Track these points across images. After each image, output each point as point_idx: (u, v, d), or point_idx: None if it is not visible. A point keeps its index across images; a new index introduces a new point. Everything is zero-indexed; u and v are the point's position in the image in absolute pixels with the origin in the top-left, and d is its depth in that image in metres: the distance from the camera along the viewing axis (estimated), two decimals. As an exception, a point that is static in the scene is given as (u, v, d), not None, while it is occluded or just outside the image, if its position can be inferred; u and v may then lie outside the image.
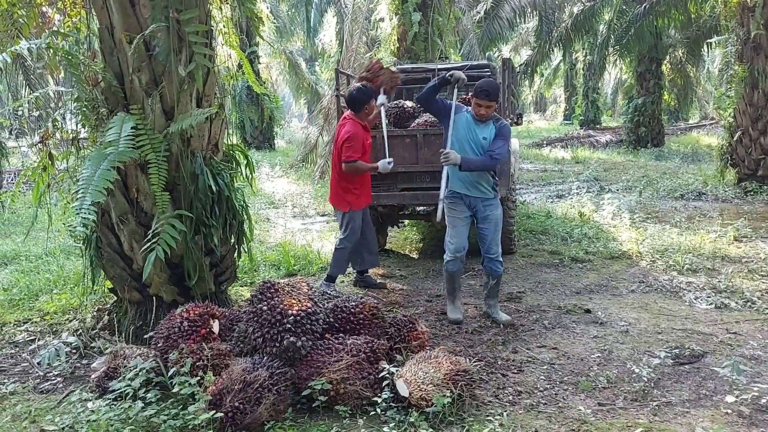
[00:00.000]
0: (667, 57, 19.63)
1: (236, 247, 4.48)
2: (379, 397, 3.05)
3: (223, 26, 4.61)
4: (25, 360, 3.99)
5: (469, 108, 4.43)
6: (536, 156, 17.37)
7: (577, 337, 4.16)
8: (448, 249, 4.48)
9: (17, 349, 4.18)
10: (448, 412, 2.99)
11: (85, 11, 4.16)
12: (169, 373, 3.17)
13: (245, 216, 4.43)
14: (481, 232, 4.48)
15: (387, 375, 3.15)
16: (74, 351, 4.01)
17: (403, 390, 3.04)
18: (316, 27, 23.56)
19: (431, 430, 2.89)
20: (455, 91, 4.41)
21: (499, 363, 3.73)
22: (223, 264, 4.37)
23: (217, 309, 3.69)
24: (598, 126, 26.91)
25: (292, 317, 3.18)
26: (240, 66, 4.93)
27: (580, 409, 3.13)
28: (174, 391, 3.05)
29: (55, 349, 3.95)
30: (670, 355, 3.72)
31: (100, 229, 4.09)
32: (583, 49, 26.15)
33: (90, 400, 3.26)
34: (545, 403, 3.22)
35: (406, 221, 7.43)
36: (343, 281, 5.58)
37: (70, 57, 3.83)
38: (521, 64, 19.40)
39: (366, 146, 5.07)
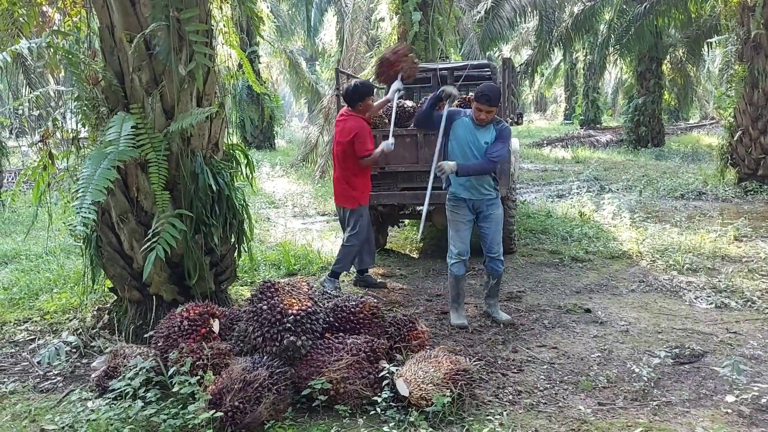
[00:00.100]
0: (668, 56, 19.65)
1: (236, 246, 4.48)
2: (379, 396, 3.05)
3: (224, 25, 4.61)
4: (25, 359, 3.99)
5: (468, 111, 4.39)
6: (536, 156, 17.37)
7: (577, 337, 4.17)
8: (452, 252, 4.46)
9: (17, 348, 4.19)
10: (448, 411, 2.98)
11: (85, 10, 4.16)
12: (169, 373, 3.17)
13: (245, 215, 4.43)
14: (483, 231, 4.47)
15: (387, 374, 3.15)
16: (74, 350, 4.01)
17: (403, 389, 3.04)
18: (316, 26, 23.57)
19: (431, 429, 2.89)
20: (447, 106, 4.38)
21: (499, 362, 3.74)
22: (223, 263, 4.37)
23: (217, 308, 3.69)
24: (598, 125, 26.93)
25: (292, 316, 3.18)
26: (240, 65, 4.94)
27: (580, 409, 3.13)
28: (174, 390, 3.05)
29: (55, 348, 3.95)
30: (670, 354, 3.72)
31: (101, 228, 4.09)
32: (584, 48, 26.14)
33: (90, 400, 3.26)
34: (545, 403, 3.21)
35: (406, 221, 7.43)
36: (343, 281, 5.58)
37: (70, 56, 3.83)
38: (521, 64, 19.40)
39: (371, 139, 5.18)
